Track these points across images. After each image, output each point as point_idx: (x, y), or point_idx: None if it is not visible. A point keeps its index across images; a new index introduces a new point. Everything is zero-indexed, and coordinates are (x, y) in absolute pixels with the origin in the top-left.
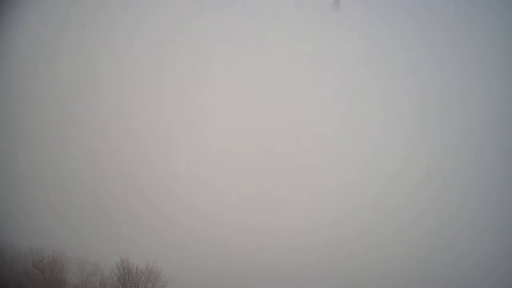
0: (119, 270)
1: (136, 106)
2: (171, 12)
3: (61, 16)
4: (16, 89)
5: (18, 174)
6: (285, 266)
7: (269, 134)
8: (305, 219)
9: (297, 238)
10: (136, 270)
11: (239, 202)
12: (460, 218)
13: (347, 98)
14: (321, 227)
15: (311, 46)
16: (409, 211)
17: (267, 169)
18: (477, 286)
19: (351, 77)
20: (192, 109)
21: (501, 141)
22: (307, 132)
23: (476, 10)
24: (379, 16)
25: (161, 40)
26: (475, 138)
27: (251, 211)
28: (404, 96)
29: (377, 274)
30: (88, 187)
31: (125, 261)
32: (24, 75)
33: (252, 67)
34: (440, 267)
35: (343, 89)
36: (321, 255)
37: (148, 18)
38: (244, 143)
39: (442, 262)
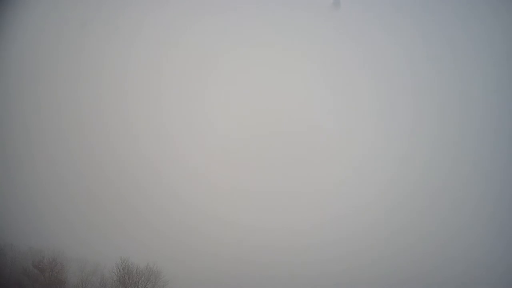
0: (119, 270)
1: (137, 105)
2: (173, 12)
3: (61, 15)
4: (16, 89)
5: (18, 174)
6: (285, 264)
7: (269, 133)
8: (304, 218)
9: (297, 236)
10: (136, 270)
11: (241, 201)
12: (457, 219)
13: (346, 98)
14: (319, 226)
15: (310, 46)
16: (406, 212)
17: (268, 168)
18: (474, 285)
19: (350, 76)
20: (193, 107)
21: (498, 141)
22: (306, 131)
23: (475, 11)
24: (378, 17)
25: (163, 39)
26: (473, 139)
27: (251, 209)
28: (403, 95)
29: (375, 273)
30: (88, 187)
31: (125, 261)
32: (24, 74)
33: (251, 66)
34: (437, 267)
35: (342, 88)
36: (319, 254)
37: (150, 17)
38: (244, 143)
39: (439, 262)
